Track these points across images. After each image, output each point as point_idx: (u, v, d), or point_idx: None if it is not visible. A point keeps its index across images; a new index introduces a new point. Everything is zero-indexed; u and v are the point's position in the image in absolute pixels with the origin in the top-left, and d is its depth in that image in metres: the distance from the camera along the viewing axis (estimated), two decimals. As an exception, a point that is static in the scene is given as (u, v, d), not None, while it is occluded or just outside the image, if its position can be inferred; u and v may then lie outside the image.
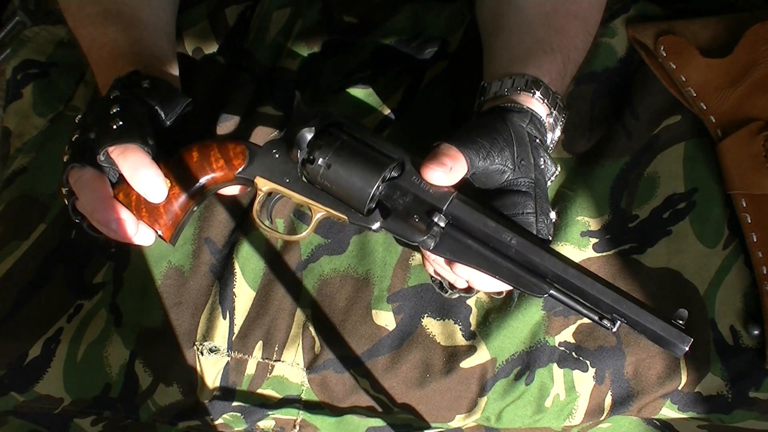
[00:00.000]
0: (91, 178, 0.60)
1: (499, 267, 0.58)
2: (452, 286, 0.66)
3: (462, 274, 0.61)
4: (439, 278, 0.67)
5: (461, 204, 0.59)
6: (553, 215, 0.63)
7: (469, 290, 0.64)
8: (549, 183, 0.65)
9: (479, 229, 0.59)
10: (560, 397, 0.70)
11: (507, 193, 0.61)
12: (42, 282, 0.73)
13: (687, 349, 0.55)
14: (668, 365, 0.70)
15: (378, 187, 0.59)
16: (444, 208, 0.59)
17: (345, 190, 0.60)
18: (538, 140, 0.64)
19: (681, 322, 0.56)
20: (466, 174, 0.60)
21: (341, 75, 0.79)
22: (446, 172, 0.58)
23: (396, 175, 0.61)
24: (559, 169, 0.66)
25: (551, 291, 0.58)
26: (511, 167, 0.60)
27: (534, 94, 0.64)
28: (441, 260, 0.62)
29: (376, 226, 0.60)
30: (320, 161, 0.60)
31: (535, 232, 0.60)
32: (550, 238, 0.63)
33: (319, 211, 0.62)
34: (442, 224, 0.59)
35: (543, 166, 0.63)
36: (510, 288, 0.60)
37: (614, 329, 0.57)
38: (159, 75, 0.67)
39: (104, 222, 0.60)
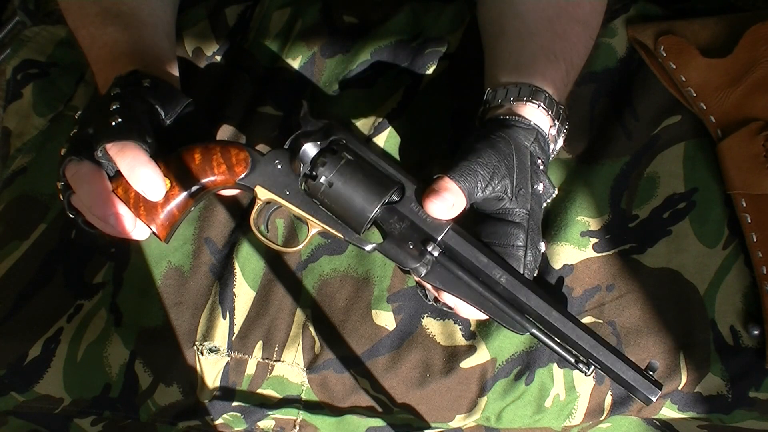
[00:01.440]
0: (89, 172, 0.60)
1: (485, 301, 0.60)
2: (436, 299, 0.66)
3: (448, 302, 0.62)
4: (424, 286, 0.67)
5: (456, 236, 0.61)
6: (542, 246, 0.65)
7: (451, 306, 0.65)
8: (545, 204, 0.66)
9: (471, 262, 0.60)
10: (560, 397, 0.70)
11: (500, 222, 0.62)
12: (42, 282, 0.73)
13: (654, 400, 0.59)
14: (668, 365, 0.70)
15: (377, 211, 0.60)
16: (439, 239, 0.60)
17: (344, 209, 0.61)
18: (540, 161, 0.65)
19: (652, 373, 0.59)
20: (465, 208, 0.61)
21: (341, 75, 0.79)
22: (449, 207, 0.60)
23: (396, 199, 0.61)
24: (557, 191, 0.67)
25: (533, 330, 0.60)
26: (509, 196, 0.62)
27: (539, 105, 0.65)
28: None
29: (370, 247, 0.61)
30: (323, 179, 0.60)
31: (522, 266, 0.62)
32: (536, 273, 0.65)
33: (316, 227, 0.63)
34: (436, 254, 0.60)
35: (541, 191, 0.64)
36: (486, 318, 0.61)
37: (588, 373, 0.60)
38: (159, 75, 0.67)
39: (102, 216, 0.60)
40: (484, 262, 0.60)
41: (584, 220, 0.73)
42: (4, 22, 0.92)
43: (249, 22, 0.82)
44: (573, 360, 0.60)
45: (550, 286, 0.71)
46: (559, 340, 0.60)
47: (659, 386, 0.59)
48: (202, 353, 0.70)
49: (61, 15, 0.75)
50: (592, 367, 0.59)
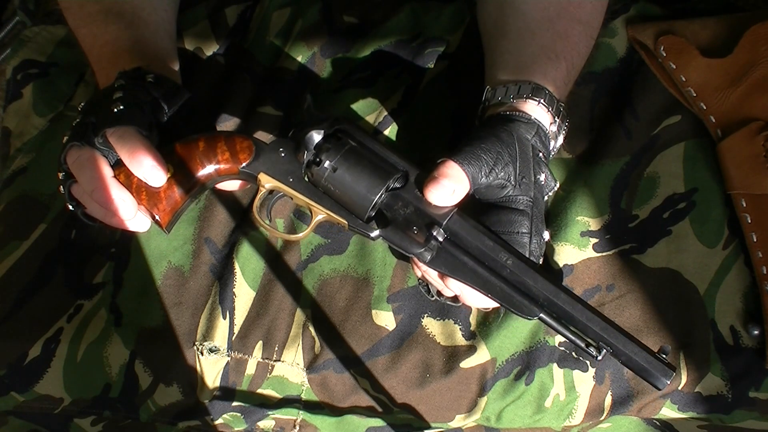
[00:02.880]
0: (91, 158, 0.60)
1: (492, 286, 0.59)
2: (439, 293, 0.66)
3: (454, 288, 0.62)
4: (426, 282, 0.67)
5: (461, 220, 0.60)
6: (546, 235, 0.64)
7: (455, 299, 0.64)
8: (546, 198, 0.66)
9: (476, 246, 0.59)
10: (560, 397, 0.70)
11: (504, 210, 0.62)
12: (42, 282, 0.73)
13: (669, 382, 0.56)
14: (668, 365, 0.70)
15: (381, 195, 0.60)
16: (444, 223, 0.60)
17: (348, 195, 0.60)
18: (541, 154, 0.65)
19: (665, 356, 0.58)
20: (468, 192, 0.60)
21: (341, 75, 0.79)
22: (449, 194, 0.59)
23: (399, 185, 0.61)
24: (558, 184, 0.66)
25: (541, 314, 0.58)
26: (512, 183, 0.61)
27: (539, 102, 0.65)
28: (433, 271, 0.62)
29: (374, 234, 0.61)
30: (326, 164, 0.60)
31: (527, 253, 0.61)
32: (541, 261, 0.64)
33: (320, 214, 0.62)
34: (441, 238, 0.60)
35: (543, 182, 0.64)
36: (494, 306, 0.61)
37: (599, 358, 0.58)
38: (161, 72, 0.67)
39: (104, 202, 0.60)
40: (490, 245, 0.59)
41: (584, 220, 0.73)
42: (4, 22, 0.92)
43: (249, 22, 0.83)
44: (583, 344, 0.58)
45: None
46: (568, 324, 0.59)
47: (673, 369, 0.57)
48: (202, 353, 0.70)
49: (61, 15, 0.75)
50: (604, 351, 0.58)
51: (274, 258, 0.73)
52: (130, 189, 0.61)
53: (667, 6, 0.81)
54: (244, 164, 0.63)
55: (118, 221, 0.61)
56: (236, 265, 0.71)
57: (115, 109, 0.60)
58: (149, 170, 0.60)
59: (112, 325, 0.71)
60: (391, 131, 0.76)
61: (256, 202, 0.64)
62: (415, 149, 0.75)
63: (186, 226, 0.73)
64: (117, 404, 0.71)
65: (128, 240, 0.73)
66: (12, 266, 0.73)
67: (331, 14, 0.82)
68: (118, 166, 0.61)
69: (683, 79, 0.75)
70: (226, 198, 0.74)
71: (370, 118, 0.77)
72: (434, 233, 0.59)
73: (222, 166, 0.63)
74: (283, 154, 0.63)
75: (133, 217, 0.61)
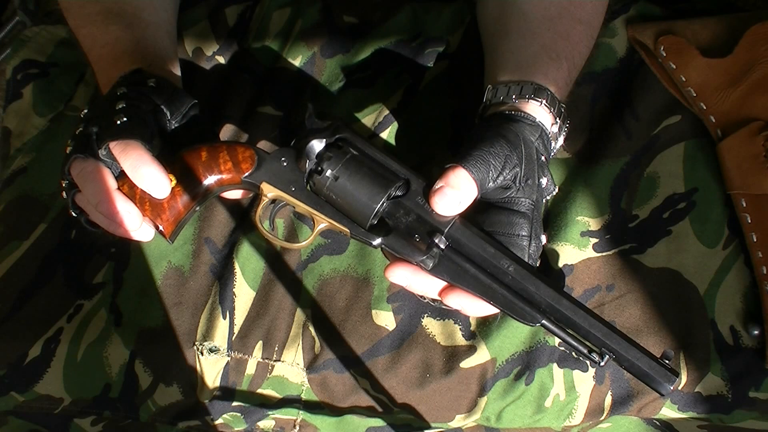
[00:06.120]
0: (95, 170, 0.60)
1: (494, 293, 0.59)
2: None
3: (453, 305, 0.61)
4: None
5: (463, 228, 0.60)
6: (543, 238, 0.64)
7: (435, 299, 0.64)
8: (544, 201, 0.66)
9: (478, 253, 0.59)
10: (560, 397, 0.70)
11: (505, 211, 0.62)
12: (42, 282, 0.73)
13: (672, 388, 0.56)
14: (668, 365, 0.70)
15: (382, 204, 0.60)
16: (445, 231, 0.60)
17: (350, 203, 0.60)
18: (543, 157, 0.64)
19: (668, 361, 0.58)
20: (476, 199, 0.60)
21: (341, 75, 0.79)
22: (455, 204, 0.59)
23: (401, 193, 0.61)
24: (557, 188, 0.66)
25: (543, 321, 0.58)
26: (517, 185, 0.61)
27: (541, 103, 0.65)
28: (430, 289, 0.61)
29: (376, 242, 0.61)
30: (328, 173, 0.60)
31: (526, 256, 0.61)
32: (538, 263, 0.64)
33: (322, 222, 0.63)
34: (443, 246, 0.59)
35: (545, 186, 0.64)
36: (494, 312, 0.61)
37: (602, 363, 0.58)
38: (161, 74, 0.67)
39: (109, 214, 0.60)
40: (491, 252, 0.59)
41: (584, 220, 0.73)
42: (4, 22, 0.92)
43: (249, 22, 0.82)
44: (585, 350, 0.58)
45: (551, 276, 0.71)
46: (570, 330, 0.59)
47: (675, 374, 0.57)
48: (202, 353, 0.70)
49: (61, 15, 0.75)
50: (606, 356, 0.58)
51: (274, 258, 0.73)
52: (134, 200, 0.61)
53: (667, 6, 0.81)
54: (246, 174, 0.63)
55: (122, 231, 0.61)
56: (236, 265, 0.72)
57: (118, 121, 0.59)
58: (152, 183, 0.60)
59: (112, 325, 0.71)
60: (391, 131, 0.76)
61: (259, 212, 0.64)
62: (415, 149, 0.75)
63: (186, 226, 0.73)
64: (117, 404, 0.71)
65: (128, 240, 0.73)
66: (12, 266, 0.73)
67: (331, 14, 0.82)
68: (121, 176, 0.62)
69: (683, 79, 0.75)
70: (227, 199, 0.74)
71: (370, 118, 0.77)
72: (436, 241, 0.59)
73: (224, 176, 0.63)
74: (285, 164, 0.63)
75: (138, 228, 0.61)
